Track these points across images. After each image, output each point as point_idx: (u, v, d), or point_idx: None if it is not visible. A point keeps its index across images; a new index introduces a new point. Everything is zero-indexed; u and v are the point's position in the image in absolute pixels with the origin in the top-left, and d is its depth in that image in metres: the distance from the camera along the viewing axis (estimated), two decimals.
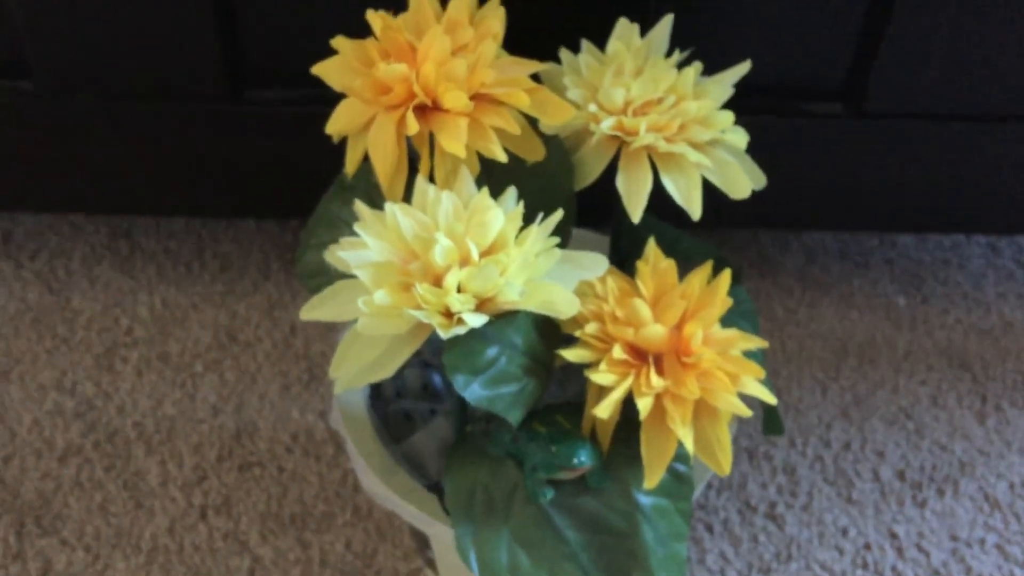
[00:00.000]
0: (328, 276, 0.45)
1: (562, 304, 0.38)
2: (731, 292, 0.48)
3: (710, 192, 0.44)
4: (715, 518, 0.61)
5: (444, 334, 0.37)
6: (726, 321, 0.45)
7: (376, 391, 0.50)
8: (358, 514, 0.60)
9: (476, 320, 0.37)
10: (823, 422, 0.65)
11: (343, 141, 0.43)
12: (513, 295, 0.38)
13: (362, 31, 0.43)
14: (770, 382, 0.67)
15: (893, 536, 0.61)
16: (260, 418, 0.64)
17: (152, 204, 0.67)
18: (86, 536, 0.59)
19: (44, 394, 0.65)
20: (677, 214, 0.46)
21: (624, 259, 0.49)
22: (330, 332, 0.68)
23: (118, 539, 0.59)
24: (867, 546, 0.60)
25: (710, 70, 0.46)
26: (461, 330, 0.37)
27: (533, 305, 0.38)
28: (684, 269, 0.44)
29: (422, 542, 0.56)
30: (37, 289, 0.69)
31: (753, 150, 0.46)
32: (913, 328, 0.69)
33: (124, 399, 0.65)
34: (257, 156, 0.63)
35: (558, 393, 0.50)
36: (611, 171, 0.43)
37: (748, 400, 0.41)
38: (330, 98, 0.43)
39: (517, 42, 0.45)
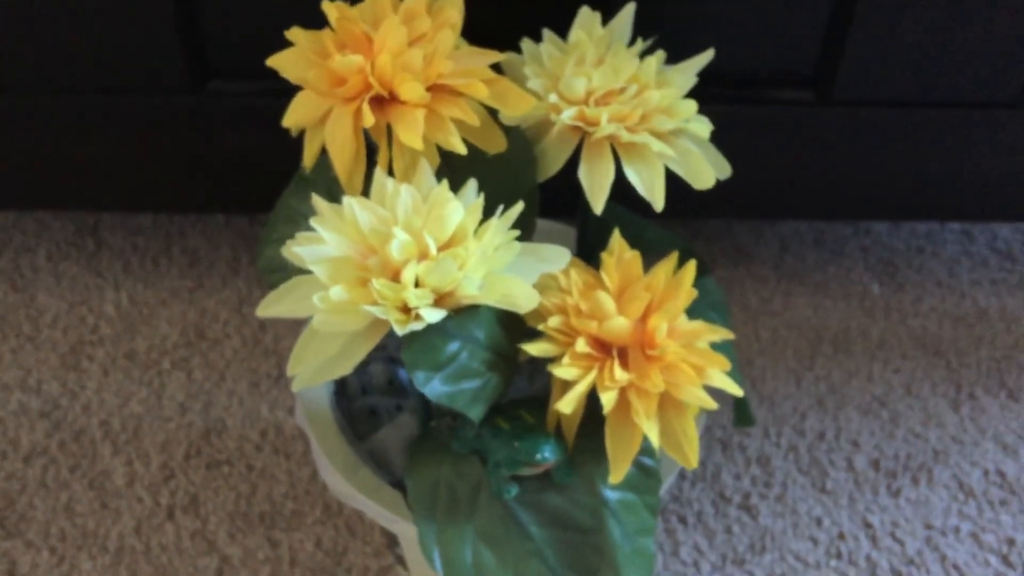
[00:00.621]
0: (287, 272, 0.44)
1: (522, 298, 0.38)
2: (699, 283, 0.47)
3: (680, 182, 0.43)
4: (689, 510, 0.61)
5: (400, 330, 0.36)
6: (694, 312, 0.44)
7: (341, 387, 0.49)
8: (328, 512, 0.59)
9: (434, 315, 0.36)
10: (797, 412, 0.65)
11: (302, 133, 0.43)
12: (472, 289, 0.37)
13: (323, 19, 0.42)
14: (741, 373, 0.66)
15: (867, 526, 0.60)
16: (228, 416, 0.63)
17: (118, 199, 0.66)
18: (51, 537, 0.58)
19: (8, 394, 0.64)
20: (646, 205, 0.46)
21: (591, 251, 0.49)
22: (299, 328, 0.67)
23: (84, 540, 0.58)
24: (841, 536, 0.60)
25: (676, 58, 0.46)
26: (418, 326, 0.36)
27: (492, 299, 0.37)
28: (651, 260, 0.43)
29: (392, 539, 0.56)
30: (1, 287, 0.68)
31: (723, 139, 0.45)
32: (887, 316, 0.69)
33: (90, 398, 0.64)
34: (223, 150, 0.62)
35: (526, 388, 0.49)
36: (578, 161, 0.43)
37: (718, 392, 0.41)
38: (292, 90, 0.43)
39: (478, 32, 0.44)
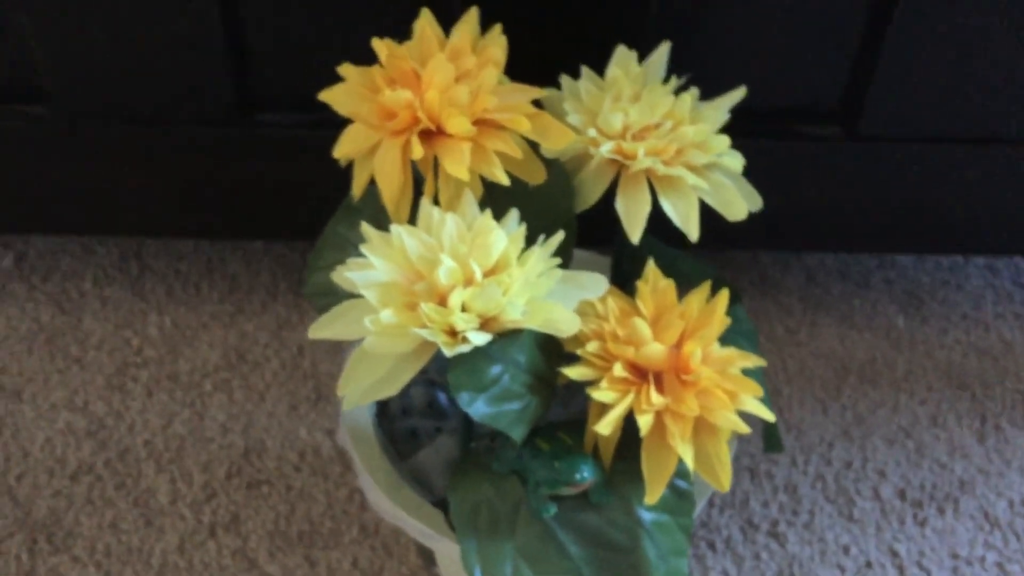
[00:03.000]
0: (336, 296, 0.46)
1: (563, 323, 0.39)
2: (730, 311, 0.48)
3: (711, 214, 0.45)
4: (718, 536, 0.62)
5: (449, 352, 0.38)
6: (726, 340, 0.45)
7: (382, 409, 0.51)
8: (365, 531, 0.61)
9: (480, 338, 0.38)
10: (824, 441, 0.66)
11: (349, 164, 0.45)
12: (516, 314, 0.39)
13: (368, 55, 0.44)
14: (770, 400, 0.67)
15: (894, 554, 0.61)
16: (268, 437, 0.65)
17: (162, 226, 0.68)
18: (97, 553, 0.60)
19: (56, 413, 0.66)
20: (677, 235, 0.47)
21: (625, 279, 0.50)
22: (337, 352, 0.69)
23: (129, 556, 0.60)
24: (868, 564, 0.61)
25: (707, 93, 0.47)
26: (465, 348, 0.38)
27: (535, 324, 0.39)
28: (683, 289, 0.45)
29: (428, 559, 0.57)
30: (49, 310, 0.71)
31: (752, 172, 0.47)
32: (913, 348, 0.70)
33: (135, 418, 0.66)
34: (265, 178, 0.64)
35: (561, 411, 0.51)
36: (613, 193, 0.45)
37: (748, 418, 0.42)
38: (336, 122, 0.45)
39: (518, 68, 0.46)
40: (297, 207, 0.66)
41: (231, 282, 0.73)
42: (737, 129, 0.47)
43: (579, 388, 0.44)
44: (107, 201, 0.66)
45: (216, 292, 0.72)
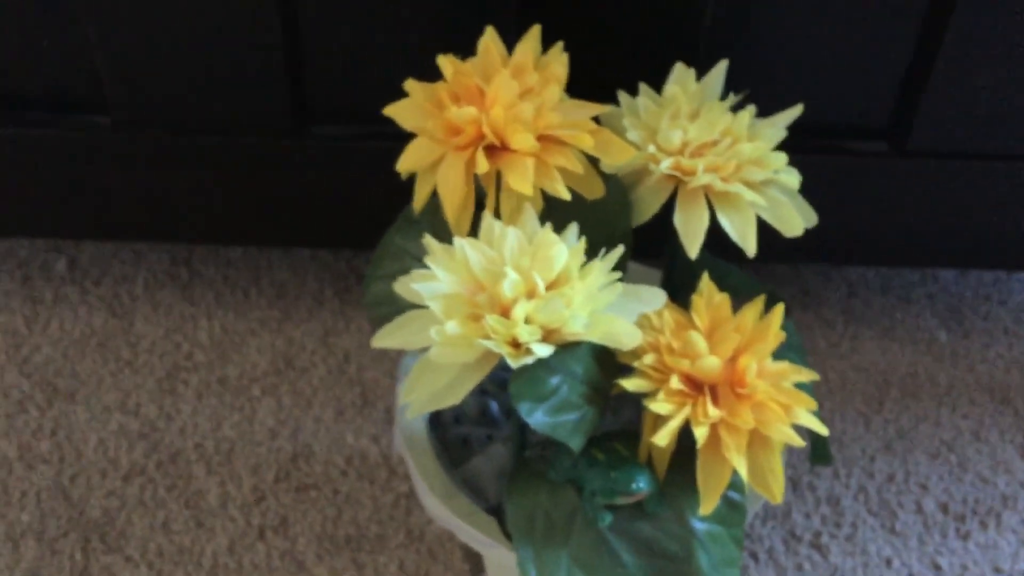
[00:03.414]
0: (394, 306, 0.47)
1: (624, 336, 0.40)
2: (782, 326, 0.49)
3: (759, 228, 0.45)
4: (760, 547, 0.62)
5: (514, 363, 0.39)
6: (777, 354, 0.46)
7: (435, 417, 0.52)
8: (411, 536, 0.62)
9: (543, 350, 0.39)
10: (867, 454, 0.66)
11: (402, 177, 0.46)
12: (578, 327, 0.39)
13: (423, 67, 0.45)
14: (818, 413, 0.68)
15: (937, 568, 0.61)
16: (315, 441, 0.66)
17: (213, 233, 0.69)
18: (149, 553, 0.61)
19: (109, 415, 0.67)
20: (724, 249, 0.48)
21: (676, 292, 0.51)
22: (383, 359, 0.70)
23: (180, 556, 0.61)
24: None
25: (758, 109, 0.48)
26: (529, 360, 0.39)
27: (597, 336, 0.40)
28: (734, 304, 0.45)
29: (475, 564, 0.58)
30: (102, 314, 0.72)
31: (801, 188, 0.47)
32: (955, 363, 0.70)
33: (185, 421, 0.67)
34: (316, 188, 0.66)
35: (611, 421, 0.52)
36: (666, 208, 0.45)
37: (796, 430, 0.43)
38: (388, 134, 0.46)
39: (577, 85, 0.47)
40: (346, 216, 0.67)
41: (279, 288, 0.74)
42: (786, 145, 0.48)
43: (629, 398, 0.45)
44: (160, 208, 0.67)
45: (264, 298, 0.73)
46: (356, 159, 0.64)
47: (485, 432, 0.52)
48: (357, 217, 0.67)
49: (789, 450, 0.65)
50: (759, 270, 0.75)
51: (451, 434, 0.52)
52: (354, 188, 0.65)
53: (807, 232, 0.50)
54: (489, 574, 0.54)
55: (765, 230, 0.45)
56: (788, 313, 0.51)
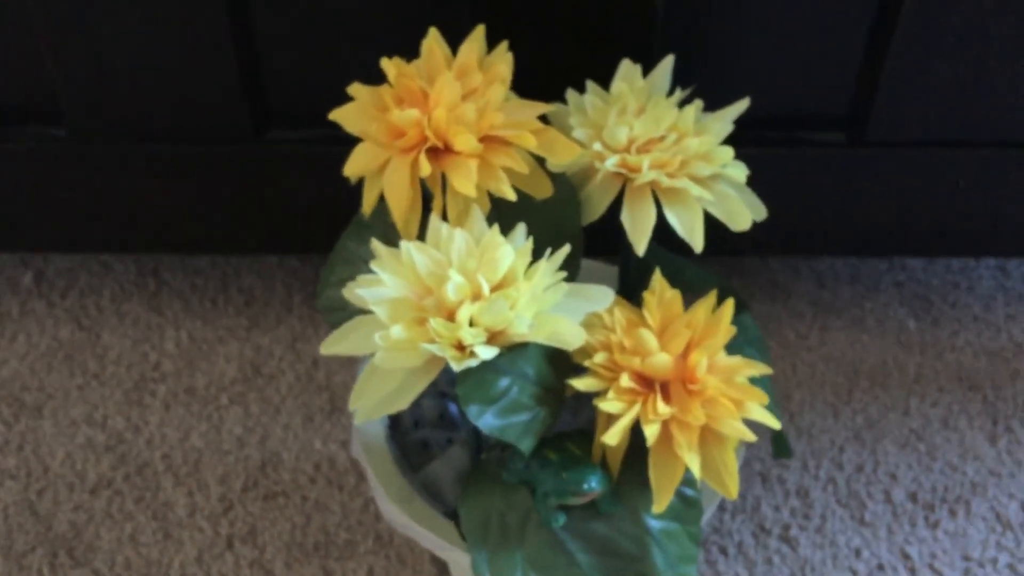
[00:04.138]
0: (347, 312, 0.46)
1: (569, 336, 0.40)
2: (737, 319, 0.49)
3: (717, 221, 0.45)
4: (729, 541, 0.62)
5: (456, 366, 0.38)
6: (733, 348, 0.46)
7: (394, 421, 0.52)
8: (380, 542, 0.62)
9: (487, 352, 0.39)
10: (836, 445, 0.66)
11: (360, 181, 0.45)
12: (522, 328, 0.39)
13: (380, 73, 0.45)
14: (779, 406, 0.68)
15: (906, 557, 0.61)
16: (284, 449, 0.66)
17: (178, 242, 0.69)
18: (117, 566, 0.61)
19: (76, 428, 0.67)
20: (684, 245, 0.48)
21: (632, 289, 0.51)
22: (351, 364, 0.70)
23: (148, 569, 0.61)
24: (880, 567, 0.61)
25: (715, 102, 0.48)
26: (473, 362, 0.39)
27: (542, 337, 0.40)
28: (690, 298, 0.45)
29: (442, 569, 0.58)
30: (68, 326, 0.72)
31: (760, 179, 0.47)
32: (924, 351, 0.70)
33: (153, 432, 0.67)
34: (279, 194, 0.65)
35: (571, 421, 0.51)
36: (620, 203, 0.45)
37: (759, 425, 0.43)
38: (349, 138, 0.45)
39: (524, 83, 0.47)
40: (311, 222, 0.67)
41: (246, 296, 0.74)
42: (745, 137, 0.48)
43: (588, 397, 0.45)
44: (124, 218, 0.67)
45: (232, 306, 0.73)
46: (318, 164, 0.63)
47: (445, 435, 0.52)
48: (322, 222, 0.67)
49: (759, 444, 0.65)
50: (725, 263, 0.75)
51: (410, 438, 0.51)
52: (318, 193, 0.65)
53: (773, 224, 0.50)
54: None
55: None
56: (744, 307, 0.51)
